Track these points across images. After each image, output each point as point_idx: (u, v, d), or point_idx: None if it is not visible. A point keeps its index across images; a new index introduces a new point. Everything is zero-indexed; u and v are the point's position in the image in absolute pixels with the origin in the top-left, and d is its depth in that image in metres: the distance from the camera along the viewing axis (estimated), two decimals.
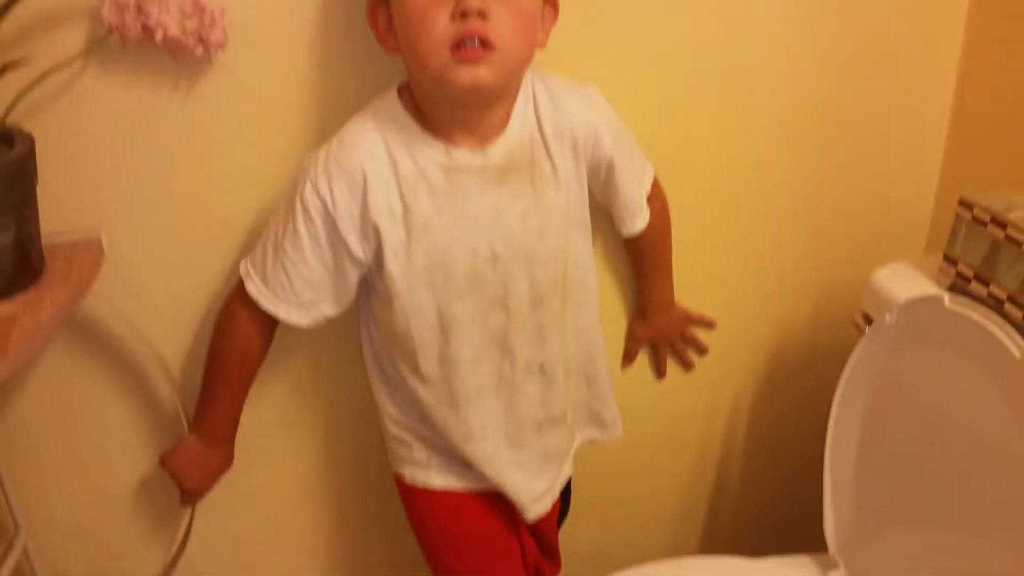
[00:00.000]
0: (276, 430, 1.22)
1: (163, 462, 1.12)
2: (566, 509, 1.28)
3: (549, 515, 1.17)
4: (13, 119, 0.92)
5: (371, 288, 1.05)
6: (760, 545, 1.34)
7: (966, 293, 1.08)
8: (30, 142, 0.91)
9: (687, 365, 1.37)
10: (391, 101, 0.99)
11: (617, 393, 1.37)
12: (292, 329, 1.06)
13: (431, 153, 0.97)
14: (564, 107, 1.02)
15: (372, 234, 0.97)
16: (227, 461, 1.15)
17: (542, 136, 1.01)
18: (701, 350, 1.36)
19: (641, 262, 1.24)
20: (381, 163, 0.96)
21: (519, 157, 0.99)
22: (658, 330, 1.31)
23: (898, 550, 1.14)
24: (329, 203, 0.96)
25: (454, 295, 0.99)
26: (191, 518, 1.22)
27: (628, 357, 1.33)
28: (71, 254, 1.00)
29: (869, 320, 1.17)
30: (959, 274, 1.10)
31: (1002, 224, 1.03)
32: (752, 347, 1.42)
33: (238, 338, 1.06)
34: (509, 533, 1.16)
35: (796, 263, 1.38)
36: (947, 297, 1.02)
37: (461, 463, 1.10)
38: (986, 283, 1.06)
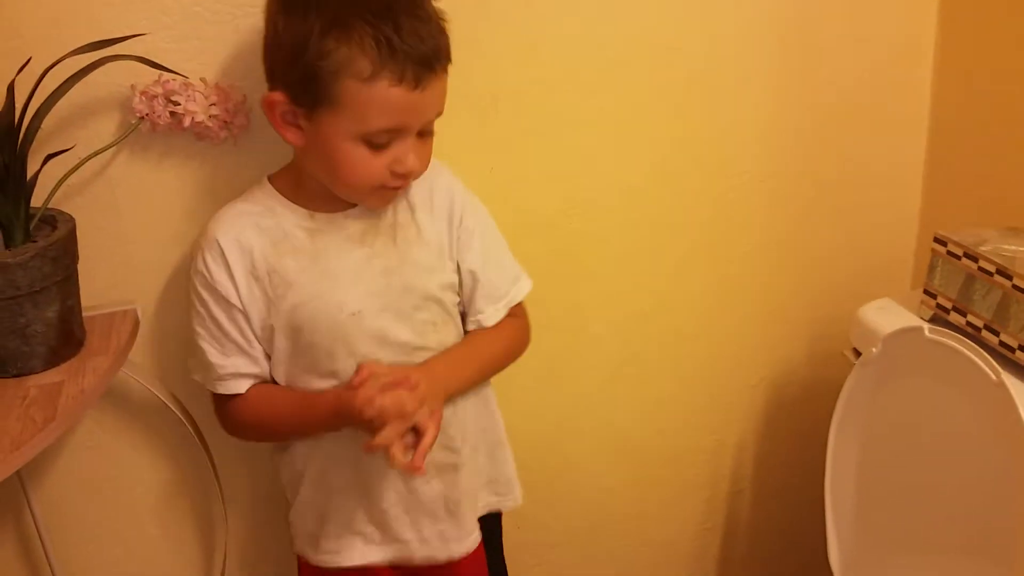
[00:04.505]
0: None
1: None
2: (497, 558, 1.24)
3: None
4: (54, 202, 1.01)
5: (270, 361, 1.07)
6: None
7: (946, 323, 1.14)
8: (71, 223, 0.99)
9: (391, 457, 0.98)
10: (261, 184, 1.05)
11: (626, 438, 1.44)
12: None
13: (295, 218, 1.03)
14: (438, 181, 1.07)
15: (247, 296, 1.02)
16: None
17: (407, 201, 1.06)
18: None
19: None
20: (245, 234, 1.01)
21: (380, 218, 1.04)
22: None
23: (900, 573, 1.19)
24: (207, 275, 1.02)
25: (324, 352, 1.02)
26: (223, 572, 1.28)
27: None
28: (109, 325, 1.08)
29: (858, 354, 1.23)
30: (939, 306, 1.16)
31: (974, 257, 1.10)
32: (752, 386, 1.48)
33: (253, 410, 1.07)
34: None
35: (789, 305, 1.45)
36: (927, 327, 1.09)
37: (356, 529, 1.10)
38: (963, 313, 1.12)
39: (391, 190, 1.00)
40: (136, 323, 1.10)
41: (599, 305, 1.36)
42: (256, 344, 1.04)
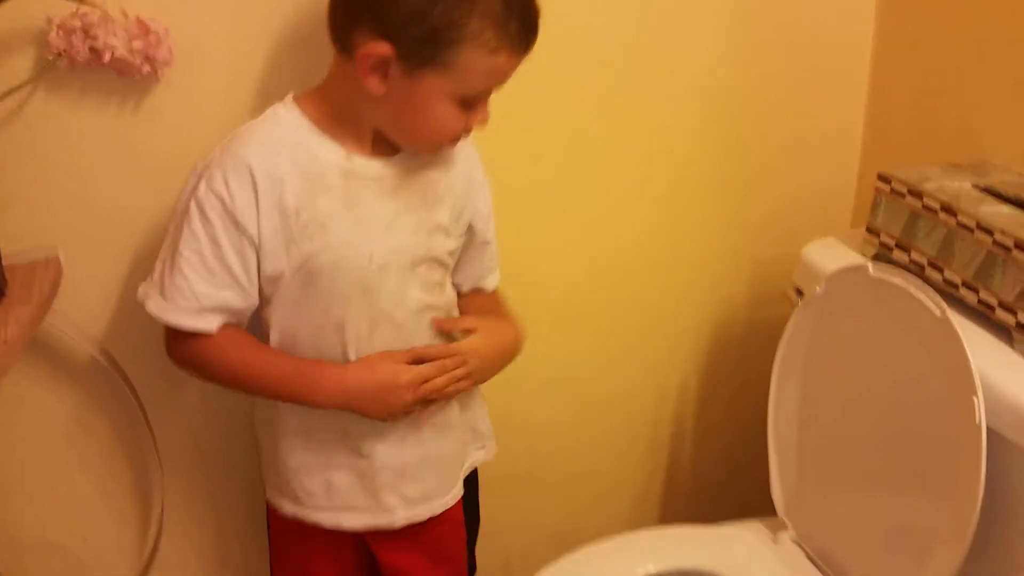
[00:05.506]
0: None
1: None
2: (474, 528, 1.26)
3: (448, 539, 1.18)
4: None
5: (266, 302, 1.02)
6: (716, 514, 1.39)
7: (889, 261, 1.14)
8: None
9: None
10: (289, 107, 0.99)
11: (570, 381, 1.44)
12: None
13: (330, 156, 0.97)
14: (471, 154, 1.09)
15: (268, 229, 0.96)
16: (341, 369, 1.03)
17: (444, 159, 1.04)
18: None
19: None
20: (277, 161, 0.95)
21: (416, 174, 1.02)
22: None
23: (843, 509, 1.20)
24: (227, 198, 0.94)
25: (340, 299, 0.99)
26: (160, 526, 1.25)
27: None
28: (31, 273, 1.02)
29: (801, 293, 1.23)
30: (882, 244, 1.16)
31: (918, 194, 1.10)
32: (695, 326, 1.48)
33: (223, 355, 1.01)
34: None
35: (732, 245, 1.45)
36: (871, 265, 1.09)
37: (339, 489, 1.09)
38: (907, 250, 1.13)
39: (454, 142, 1.00)
40: (59, 270, 1.05)
41: (541, 248, 1.34)
42: (255, 282, 0.98)
